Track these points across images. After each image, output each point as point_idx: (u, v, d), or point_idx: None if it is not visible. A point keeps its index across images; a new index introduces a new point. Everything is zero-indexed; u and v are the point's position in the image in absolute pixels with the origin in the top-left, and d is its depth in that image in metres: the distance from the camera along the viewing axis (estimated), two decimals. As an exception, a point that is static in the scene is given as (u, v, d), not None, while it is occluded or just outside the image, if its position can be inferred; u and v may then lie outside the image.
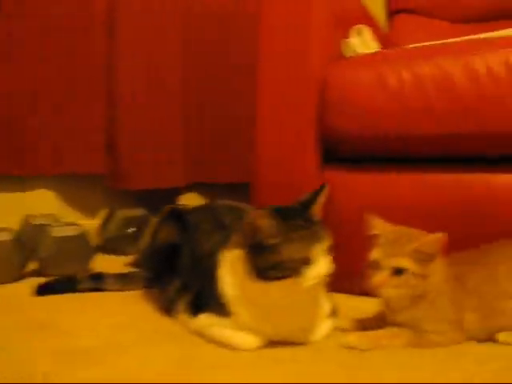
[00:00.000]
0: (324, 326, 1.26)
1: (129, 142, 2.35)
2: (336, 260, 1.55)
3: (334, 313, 1.31)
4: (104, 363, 1.13)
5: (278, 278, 1.14)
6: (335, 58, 1.68)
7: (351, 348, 1.19)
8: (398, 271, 1.16)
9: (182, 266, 1.41)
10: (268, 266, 1.14)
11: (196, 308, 1.29)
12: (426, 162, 1.53)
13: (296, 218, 1.18)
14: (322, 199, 1.22)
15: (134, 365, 1.12)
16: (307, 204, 1.21)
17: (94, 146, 2.36)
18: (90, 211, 2.46)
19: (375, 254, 1.20)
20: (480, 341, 1.22)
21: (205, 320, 1.26)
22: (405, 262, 1.16)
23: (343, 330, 1.29)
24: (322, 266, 1.15)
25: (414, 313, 1.20)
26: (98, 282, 1.67)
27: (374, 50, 1.75)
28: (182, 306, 1.35)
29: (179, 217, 1.51)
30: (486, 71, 1.42)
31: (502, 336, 1.21)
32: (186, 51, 2.46)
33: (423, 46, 1.59)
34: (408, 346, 1.20)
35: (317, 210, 1.22)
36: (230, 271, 1.22)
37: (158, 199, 2.36)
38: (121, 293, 1.65)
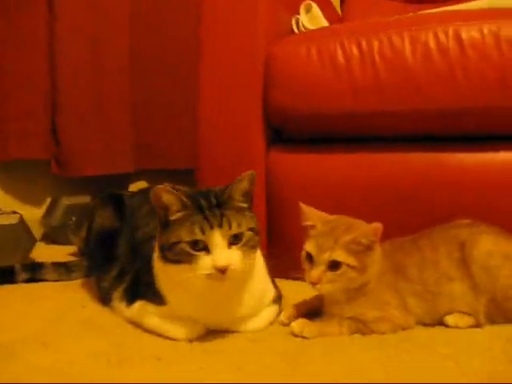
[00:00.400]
0: (266, 314, 1.20)
1: (73, 126, 2.24)
2: (281, 244, 1.50)
3: (279, 300, 1.24)
4: (19, 357, 1.05)
5: (174, 262, 1.05)
6: (283, 35, 1.61)
7: (295, 335, 1.13)
8: (334, 265, 1.09)
9: (120, 253, 1.33)
10: (166, 246, 1.06)
11: (131, 296, 1.21)
12: (373, 140, 1.47)
13: (206, 198, 1.07)
14: (244, 184, 1.09)
15: (50, 358, 1.04)
16: (225, 187, 1.10)
17: (38, 132, 2.25)
18: (35, 199, 2.35)
19: (309, 247, 1.12)
20: (428, 325, 1.18)
21: (140, 309, 1.18)
22: (340, 256, 1.09)
23: (287, 318, 1.21)
24: (219, 256, 1.02)
25: (353, 306, 1.15)
26: (36, 273, 1.57)
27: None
28: (117, 294, 1.27)
29: (117, 201, 1.43)
30: (436, 46, 1.36)
31: (450, 319, 1.17)
32: (134, 34, 2.36)
33: (372, 20, 1.52)
34: (354, 333, 1.14)
35: (237, 195, 1.09)
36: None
37: (109, 186, 2.28)
38: (60, 283, 1.56)
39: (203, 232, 1.02)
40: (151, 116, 2.42)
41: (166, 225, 1.07)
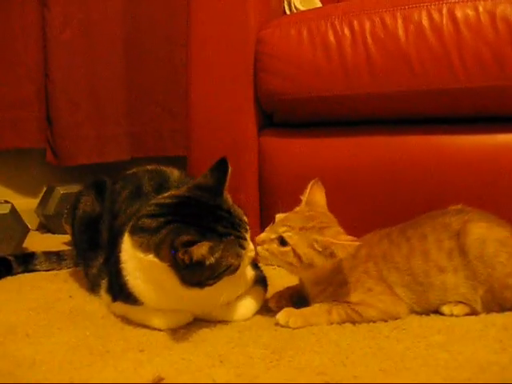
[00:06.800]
0: (252, 301, 1.17)
1: (67, 115, 2.21)
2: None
3: (262, 281, 1.23)
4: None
5: (215, 282, 1.04)
6: (275, 17, 1.57)
7: (281, 326, 1.09)
8: (283, 242, 1.08)
9: (103, 240, 1.30)
10: (206, 278, 1.02)
11: (113, 293, 1.19)
12: (366, 124, 1.44)
13: (220, 220, 1.05)
14: (228, 178, 1.10)
15: (31, 349, 1.02)
16: (218, 190, 1.09)
17: (32, 121, 2.22)
18: (30, 189, 2.32)
19: (281, 216, 1.12)
20: (423, 314, 1.14)
21: (121, 306, 1.16)
22: (291, 239, 1.07)
23: (275, 305, 1.18)
24: (251, 247, 1.09)
25: (336, 289, 1.12)
26: (29, 264, 1.54)
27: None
28: (105, 283, 1.24)
29: (101, 188, 1.40)
30: (430, 25, 1.32)
31: (446, 308, 1.13)
32: (128, 20, 2.32)
33: (365, 0, 1.47)
34: (344, 322, 1.10)
35: (224, 193, 1.10)
36: (136, 268, 1.09)
37: (104, 175, 2.24)
38: (51, 272, 1.54)
39: (244, 247, 1.06)
40: (146, 104, 2.38)
41: (197, 265, 1.00)
